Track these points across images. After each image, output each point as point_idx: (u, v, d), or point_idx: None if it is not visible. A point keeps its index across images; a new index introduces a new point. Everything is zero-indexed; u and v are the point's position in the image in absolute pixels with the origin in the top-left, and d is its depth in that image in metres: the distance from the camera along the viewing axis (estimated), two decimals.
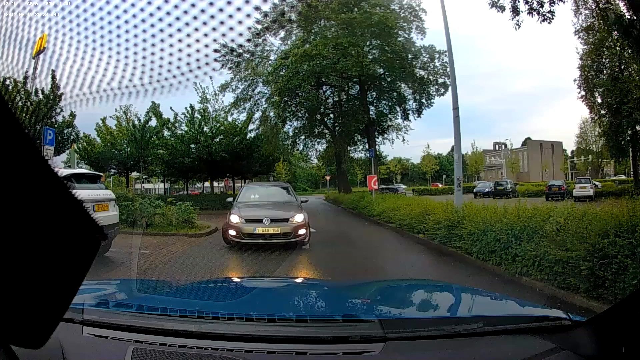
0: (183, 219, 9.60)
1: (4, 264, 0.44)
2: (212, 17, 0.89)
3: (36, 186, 0.43)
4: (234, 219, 6.78)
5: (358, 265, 5.90)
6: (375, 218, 11.49)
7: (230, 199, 8.11)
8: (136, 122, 19.61)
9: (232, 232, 6.75)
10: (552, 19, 6.95)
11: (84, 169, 9.59)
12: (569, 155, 48.47)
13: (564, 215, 4.91)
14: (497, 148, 53.47)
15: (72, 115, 16.35)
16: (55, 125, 15.23)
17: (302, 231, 6.68)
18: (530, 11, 7.02)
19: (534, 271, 4.45)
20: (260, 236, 6.57)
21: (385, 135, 21.72)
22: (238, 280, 3.08)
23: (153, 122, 20.01)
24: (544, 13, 6.94)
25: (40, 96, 13.77)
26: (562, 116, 79.90)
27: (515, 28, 7.37)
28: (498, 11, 7.54)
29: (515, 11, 7.22)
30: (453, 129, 7.18)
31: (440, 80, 19.16)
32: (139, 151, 19.10)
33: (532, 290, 4.33)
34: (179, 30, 0.96)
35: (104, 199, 5.83)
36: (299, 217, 6.76)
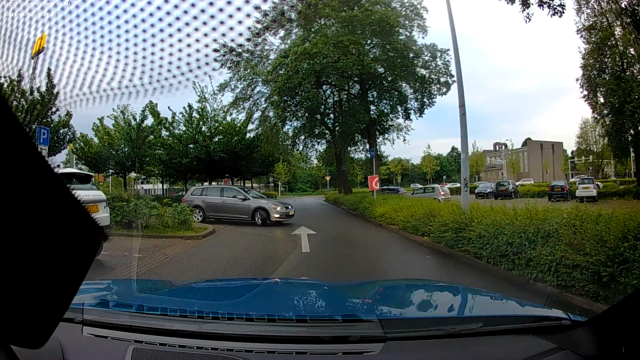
0: (179, 221, 9.33)
1: (4, 264, 0.44)
2: (212, 17, 0.90)
3: (36, 186, 0.43)
4: (278, 208, 11.38)
5: (361, 270, 5.68)
6: (377, 219, 11.23)
7: (242, 196, 11.97)
8: (132, 121, 19.32)
9: (276, 215, 11.15)
10: (563, 12, 6.71)
11: (73, 169, 9.33)
12: (569, 155, 48.33)
13: (578, 217, 4.69)
14: (497, 149, 53.38)
15: (69, 114, 16.05)
16: (51, 125, 14.94)
17: None
18: (541, 4, 6.77)
19: (550, 277, 4.19)
20: (290, 216, 11.48)
21: (386, 136, 21.51)
22: (238, 280, 3.05)
23: (150, 122, 19.73)
24: (555, 6, 6.70)
25: (36, 95, 13.54)
26: (563, 116, 79.68)
27: (526, 21, 7.15)
28: (507, 3, 7.30)
29: (525, 4, 6.97)
30: (460, 128, 6.87)
31: (442, 79, 19.00)
32: (134, 150, 18.83)
33: (547, 297, 4.08)
34: (179, 30, 0.96)
35: (94, 200, 5.58)
36: None
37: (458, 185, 35.06)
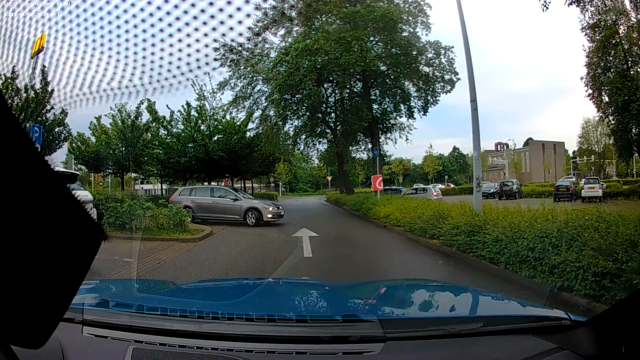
0: (175, 222, 8.95)
1: (4, 264, 0.43)
2: (212, 17, 0.90)
3: (35, 184, 0.42)
4: (270, 208, 11.68)
5: (364, 273, 5.36)
6: (381, 221, 10.85)
7: (233, 196, 12.25)
8: (128, 120, 18.94)
9: (269, 215, 11.37)
10: (580, 2, 6.37)
11: (59, 168, 8.97)
12: (571, 155, 48.07)
13: (601, 219, 4.37)
14: (498, 149, 53.09)
15: (64, 113, 15.68)
16: (46, 124, 14.62)
17: None
18: None
19: (577, 285, 3.83)
20: (281, 216, 11.74)
21: (389, 135, 21.08)
22: (238, 280, 3.03)
23: (145, 119, 19.36)
24: None
25: (31, 93, 13.26)
26: (564, 116, 79.15)
27: (543, 10, 6.84)
28: None
29: None
30: (471, 124, 6.43)
31: (446, 77, 18.61)
32: (128, 149, 18.46)
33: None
34: (178, 30, 0.97)
35: (80, 200, 5.18)
36: None
37: (441, 186, 34.83)
